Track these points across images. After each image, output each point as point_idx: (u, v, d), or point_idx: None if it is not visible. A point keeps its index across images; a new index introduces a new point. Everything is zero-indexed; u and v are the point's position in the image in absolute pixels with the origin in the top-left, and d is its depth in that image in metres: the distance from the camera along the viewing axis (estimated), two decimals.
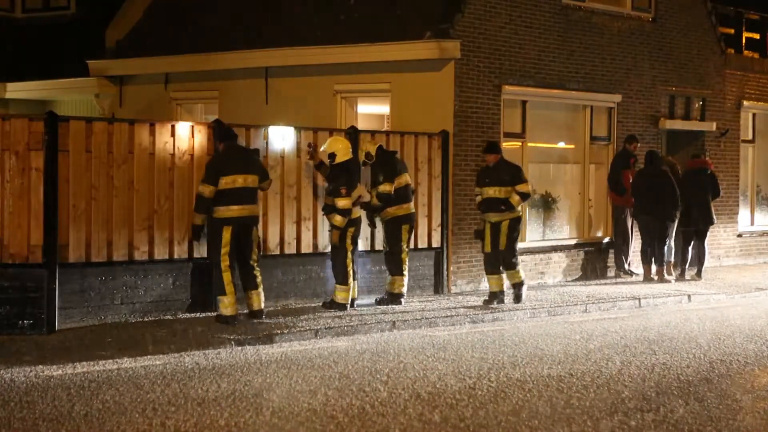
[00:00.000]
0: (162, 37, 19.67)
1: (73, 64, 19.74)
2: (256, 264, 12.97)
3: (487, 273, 15.16)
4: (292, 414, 8.52)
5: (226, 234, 12.58)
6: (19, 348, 11.27)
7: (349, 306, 14.05)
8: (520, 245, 17.62)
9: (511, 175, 14.86)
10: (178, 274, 13.42)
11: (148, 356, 11.08)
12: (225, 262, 12.60)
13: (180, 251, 13.31)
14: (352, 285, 14.15)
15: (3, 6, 21.81)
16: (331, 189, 13.92)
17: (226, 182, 12.55)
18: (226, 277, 12.61)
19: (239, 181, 12.64)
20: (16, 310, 12.17)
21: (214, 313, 13.09)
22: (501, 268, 15.06)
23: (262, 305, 13.02)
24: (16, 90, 20.52)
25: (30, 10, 21.94)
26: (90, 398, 9.07)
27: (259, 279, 12.99)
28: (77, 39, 20.33)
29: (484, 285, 16.84)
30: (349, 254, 14.06)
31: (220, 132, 13.15)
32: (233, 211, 12.62)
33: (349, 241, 14.01)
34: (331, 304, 13.98)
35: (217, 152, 12.98)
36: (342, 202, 13.70)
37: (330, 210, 13.86)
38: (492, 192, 14.79)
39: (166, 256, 13.23)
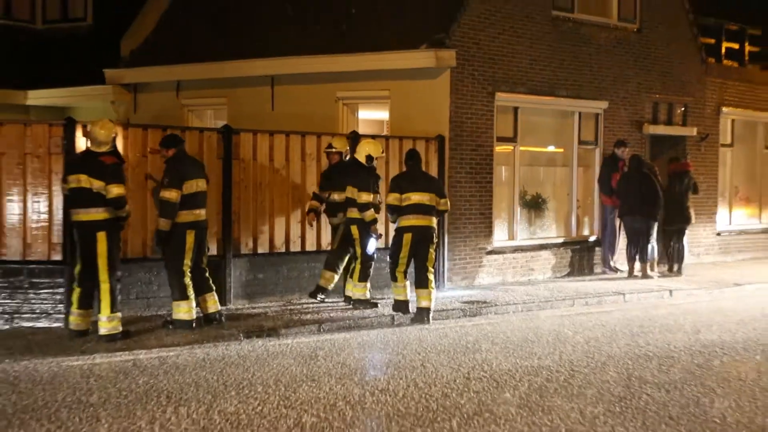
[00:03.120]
0: (173, 47, 19.74)
1: (90, 72, 19.78)
2: (206, 267, 12.38)
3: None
4: (297, 402, 8.59)
5: (190, 238, 11.92)
6: (41, 340, 11.36)
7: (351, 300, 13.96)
8: (511, 243, 17.79)
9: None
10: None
11: (163, 348, 11.13)
12: (187, 267, 12.02)
13: None
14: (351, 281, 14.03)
15: (24, 17, 21.87)
16: None
17: (189, 187, 11.90)
18: (187, 281, 12.00)
19: (200, 185, 12.15)
20: (39, 304, 12.28)
21: (228, 309, 13.14)
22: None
23: (219, 307, 12.44)
24: (36, 97, 20.58)
25: (49, 21, 21.97)
26: (107, 387, 9.15)
27: (210, 281, 12.37)
28: (94, 49, 20.38)
29: (479, 281, 16.94)
30: (338, 252, 14.04)
31: (168, 138, 12.44)
32: (196, 215, 12.07)
33: (336, 237, 14.10)
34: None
35: (175, 158, 12.15)
36: None
37: None
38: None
39: None
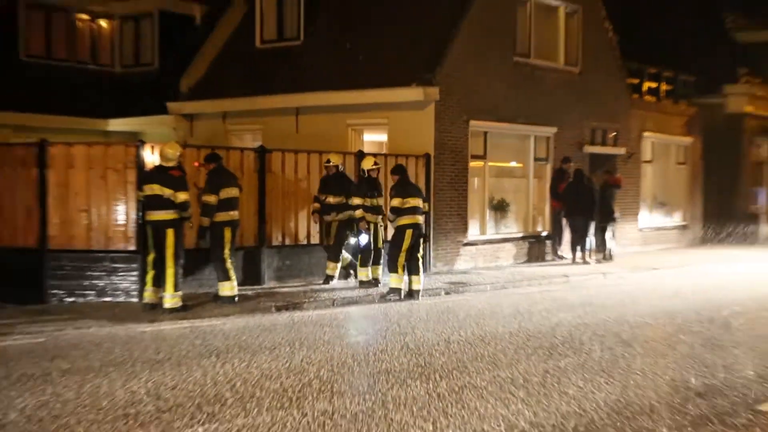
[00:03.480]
0: (221, 85, 19.75)
1: (156, 105, 19.81)
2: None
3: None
4: (316, 359, 8.65)
5: (227, 233, 11.91)
6: (118, 311, 11.43)
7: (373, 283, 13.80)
8: (482, 237, 17.83)
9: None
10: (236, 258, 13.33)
11: (212, 318, 11.19)
12: (228, 256, 11.93)
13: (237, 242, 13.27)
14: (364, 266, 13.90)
15: (106, 63, 21.88)
16: None
17: (226, 193, 11.92)
18: (230, 265, 11.98)
19: (233, 192, 12.12)
20: (118, 283, 12.35)
21: (262, 288, 13.14)
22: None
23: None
24: (115, 125, 20.58)
25: (125, 66, 21.97)
26: (171, 347, 9.21)
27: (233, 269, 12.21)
28: (159, 87, 20.38)
29: (457, 267, 16.97)
30: (336, 246, 13.95)
31: (210, 156, 12.38)
32: (231, 215, 12.04)
33: (330, 234, 13.97)
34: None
35: (214, 170, 12.18)
36: None
37: None
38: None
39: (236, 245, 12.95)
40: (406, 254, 13.06)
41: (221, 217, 11.96)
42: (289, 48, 19.32)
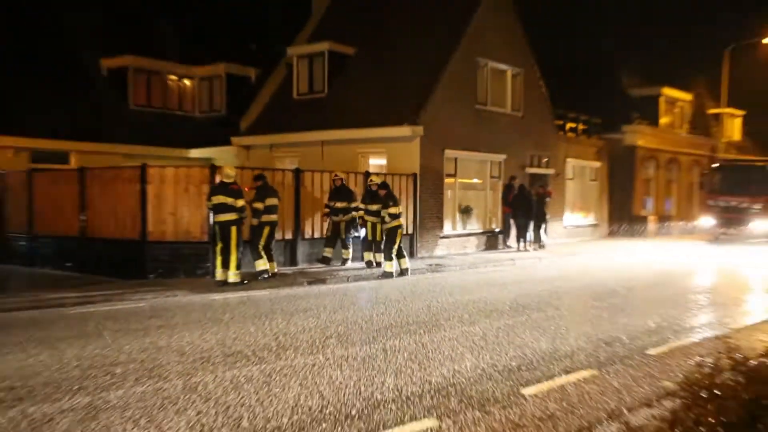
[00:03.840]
0: (269, 125, 19.70)
1: (223, 139, 19.80)
2: (272, 248, 12.22)
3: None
4: (335, 320, 8.59)
5: (266, 230, 11.95)
6: (197, 284, 11.32)
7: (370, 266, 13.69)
8: (454, 232, 17.72)
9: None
10: (279, 247, 13.34)
11: (262, 290, 11.11)
12: (261, 244, 11.91)
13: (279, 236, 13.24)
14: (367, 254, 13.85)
15: (188, 110, 21.92)
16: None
17: (269, 201, 11.95)
18: (260, 249, 11.87)
19: (275, 201, 12.09)
20: (194, 265, 12.25)
21: (297, 268, 13.06)
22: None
23: (276, 269, 12.15)
24: (195, 153, 20.54)
25: (202, 111, 21.96)
26: (233, 310, 9.15)
27: (273, 255, 12.11)
28: (225, 126, 20.42)
29: (436, 253, 16.88)
30: (346, 239, 13.77)
31: (257, 176, 12.20)
32: (271, 218, 12.03)
33: (341, 230, 13.83)
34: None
35: (261, 186, 12.10)
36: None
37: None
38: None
39: (279, 238, 13.09)
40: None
41: (265, 218, 12.02)
42: (317, 99, 19.26)
